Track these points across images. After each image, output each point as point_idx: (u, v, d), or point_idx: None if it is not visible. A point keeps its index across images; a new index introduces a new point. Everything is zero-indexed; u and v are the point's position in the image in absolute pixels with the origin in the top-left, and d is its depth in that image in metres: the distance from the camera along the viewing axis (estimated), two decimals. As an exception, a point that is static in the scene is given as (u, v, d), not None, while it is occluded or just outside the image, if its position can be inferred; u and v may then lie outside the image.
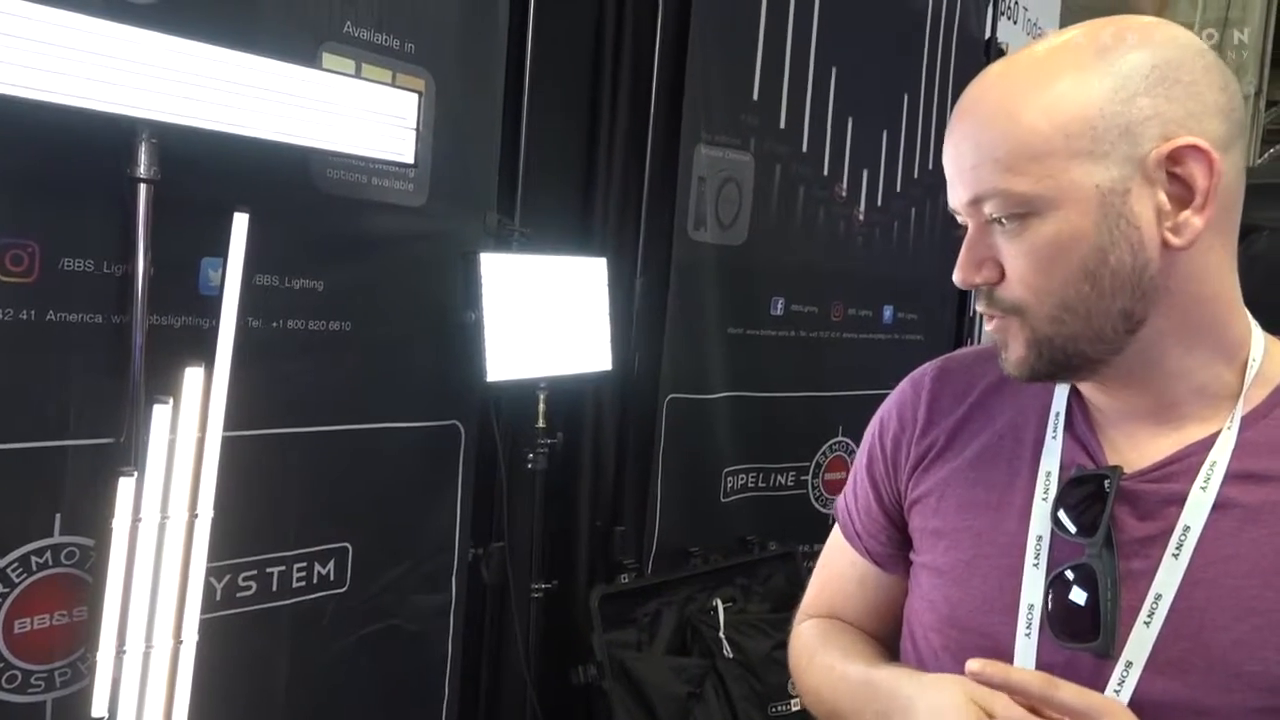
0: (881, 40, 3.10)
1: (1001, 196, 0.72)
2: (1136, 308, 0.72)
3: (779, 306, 2.86)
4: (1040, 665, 0.75)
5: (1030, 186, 0.70)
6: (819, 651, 0.96)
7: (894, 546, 0.95)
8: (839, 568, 1.01)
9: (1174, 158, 0.69)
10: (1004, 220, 0.73)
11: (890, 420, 0.94)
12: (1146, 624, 0.72)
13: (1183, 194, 0.70)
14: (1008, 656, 0.77)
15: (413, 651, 1.99)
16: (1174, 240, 0.70)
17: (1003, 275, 0.75)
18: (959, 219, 0.79)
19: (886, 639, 0.98)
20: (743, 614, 2.50)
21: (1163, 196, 0.70)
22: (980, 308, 0.79)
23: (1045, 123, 0.70)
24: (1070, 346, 0.74)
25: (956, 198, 0.77)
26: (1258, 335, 0.78)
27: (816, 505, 2.99)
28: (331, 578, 1.83)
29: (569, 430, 2.30)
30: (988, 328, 0.79)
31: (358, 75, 1.72)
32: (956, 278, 0.77)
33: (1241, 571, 0.71)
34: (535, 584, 2.19)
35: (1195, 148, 0.69)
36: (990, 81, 0.76)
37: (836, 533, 1.02)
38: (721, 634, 2.39)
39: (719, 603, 2.46)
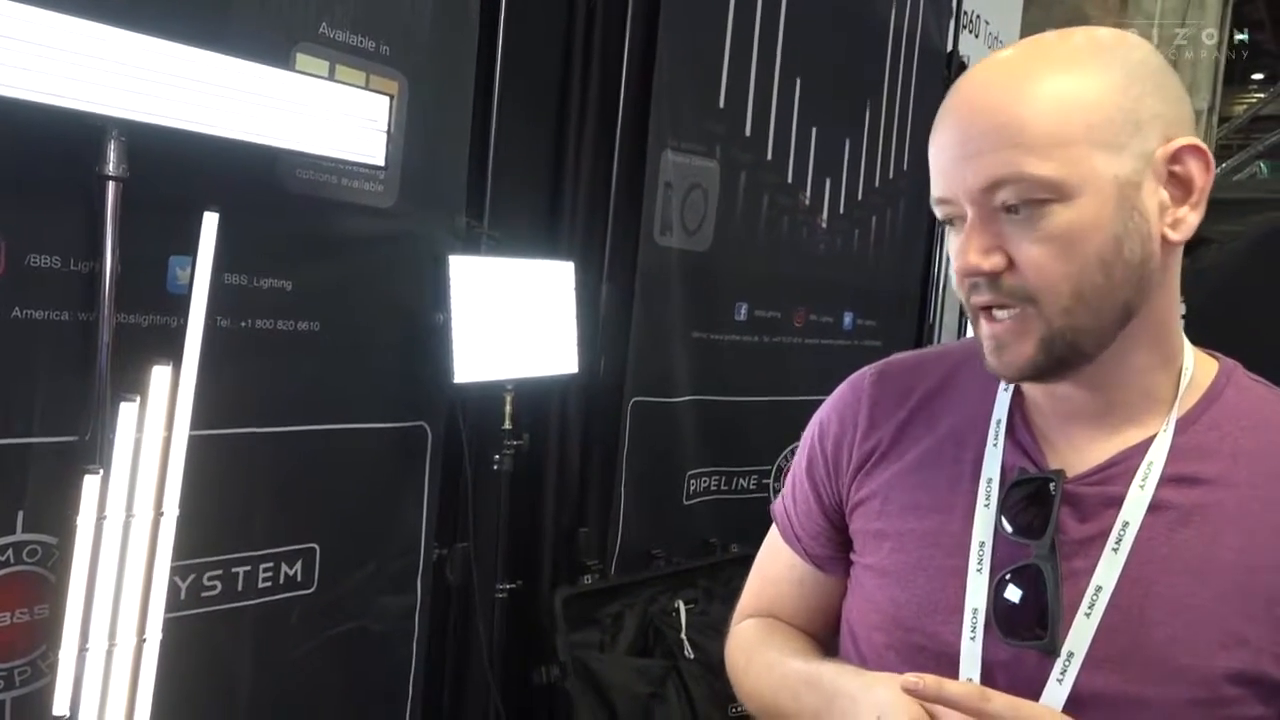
0: (845, 51, 3.15)
1: (1024, 182, 0.70)
2: (1135, 301, 0.74)
3: (742, 312, 2.90)
4: (985, 664, 0.78)
5: (1054, 172, 0.70)
6: (758, 650, 0.97)
7: (834, 549, 0.95)
8: (777, 569, 1.01)
9: (1176, 156, 0.72)
10: (1020, 207, 0.71)
11: (830, 423, 0.94)
12: (1087, 615, 0.75)
13: (1179, 193, 0.73)
14: (952, 656, 0.79)
15: (378, 653, 1.99)
16: (1172, 235, 0.74)
17: (1010, 264, 0.73)
18: (943, 210, 0.77)
19: (824, 639, 0.99)
20: (704, 616, 2.53)
21: (1165, 193, 0.73)
22: (983, 300, 0.75)
23: (1068, 110, 0.70)
24: (1077, 340, 0.74)
25: (961, 185, 0.73)
26: (1186, 344, 0.82)
27: (778, 508, 3.03)
28: (299, 578, 1.83)
29: (535, 432, 2.32)
30: (990, 329, 0.76)
31: (331, 77, 1.72)
32: (961, 265, 0.74)
33: (1175, 570, 0.74)
34: (499, 585, 2.21)
35: (1195, 147, 0.72)
36: (1000, 69, 0.74)
37: (774, 534, 1.02)
38: (683, 635, 2.42)
39: (681, 604, 2.49)
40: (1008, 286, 0.73)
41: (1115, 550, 0.75)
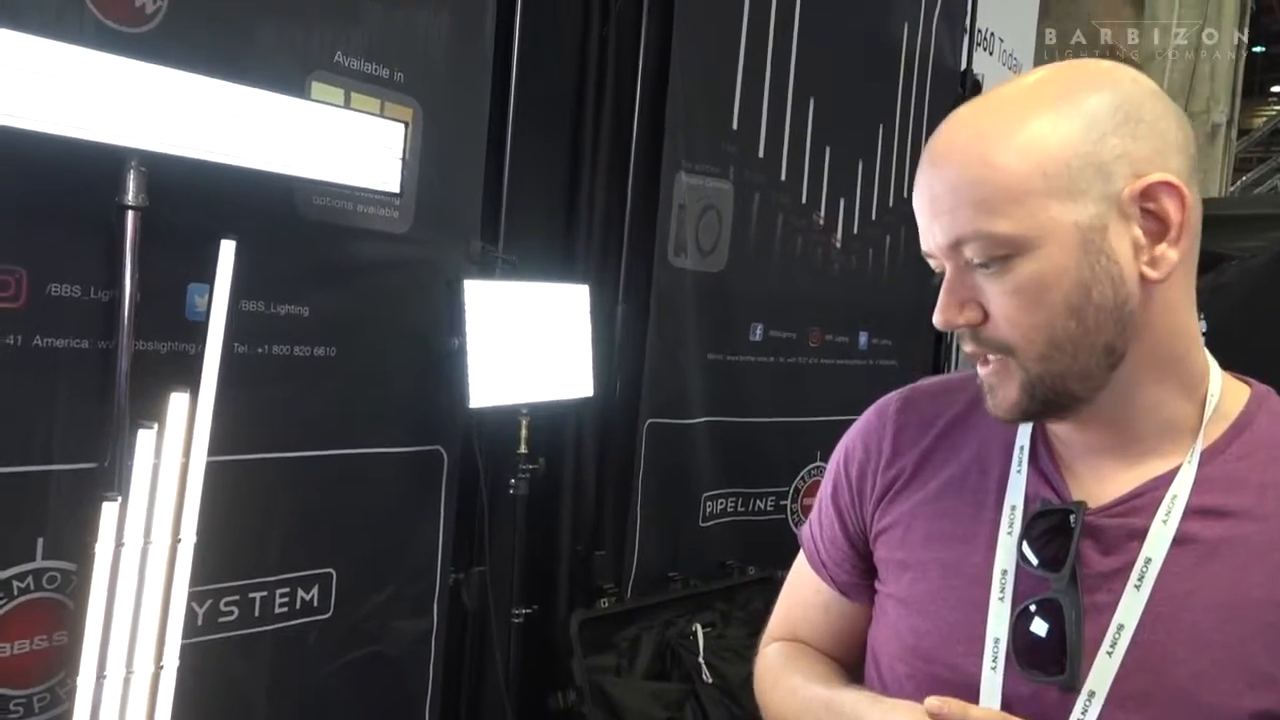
0: (858, 71, 3.16)
1: (983, 239, 0.71)
2: (1118, 342, 0.73)
3: (758, 332, 2.90)
4: (1006, 698, 0.77)
5: (1012, 228, 0.70)
6: (783, 674, 0.97)
7: (859, 576, 0.95)
8: (804, 594, 1.01)
9: (1147, 194, 0.71)
10: (986, 263, 0.72)
11: (855, 450, 0.94)
12: (1109, 654, 0.74)
13: (1156, 229, 0.71)
14: (973, 688, 0.78)
15: (394, 677, 1.99)
16: (1151, 273, 0.72)
17: (986, 316, 0.74)
18: (932, 263, 0.78)
19: (850, 665, 0.99)
20: (722, 639, 2.51)
21: (1138, 231, 0.71)
22: (968, 349, 0.77)
23: (1022, 164, 0.70)
24: (1059, 385, 0.74)
25: (933, 241, 0.76)
26: (1215, 370, 0.80)
27: (795, 530, 3.01)
28: (315, 603, 1.83)
29: (550, 455, 2.32)
30: (982, 371, 0.78)
31: (347, 105, 1.74)
32: (938, 320, 0.76)
33: (1201, 606, 0.73)
34: (516, 609, 2.20)
35: (1167, 183, 0.71)
36: (960, 126, 0.75)
37: (801, 558, 1.02)
38: (701, 659, 2.40)
39: (698, 627, 2.47)
40: (985, 338, 0.75)
41: (1138, 587, 0.74)
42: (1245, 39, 9.44)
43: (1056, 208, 0.70)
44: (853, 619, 0.97)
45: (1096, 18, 8.76)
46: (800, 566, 1.02)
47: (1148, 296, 0.73)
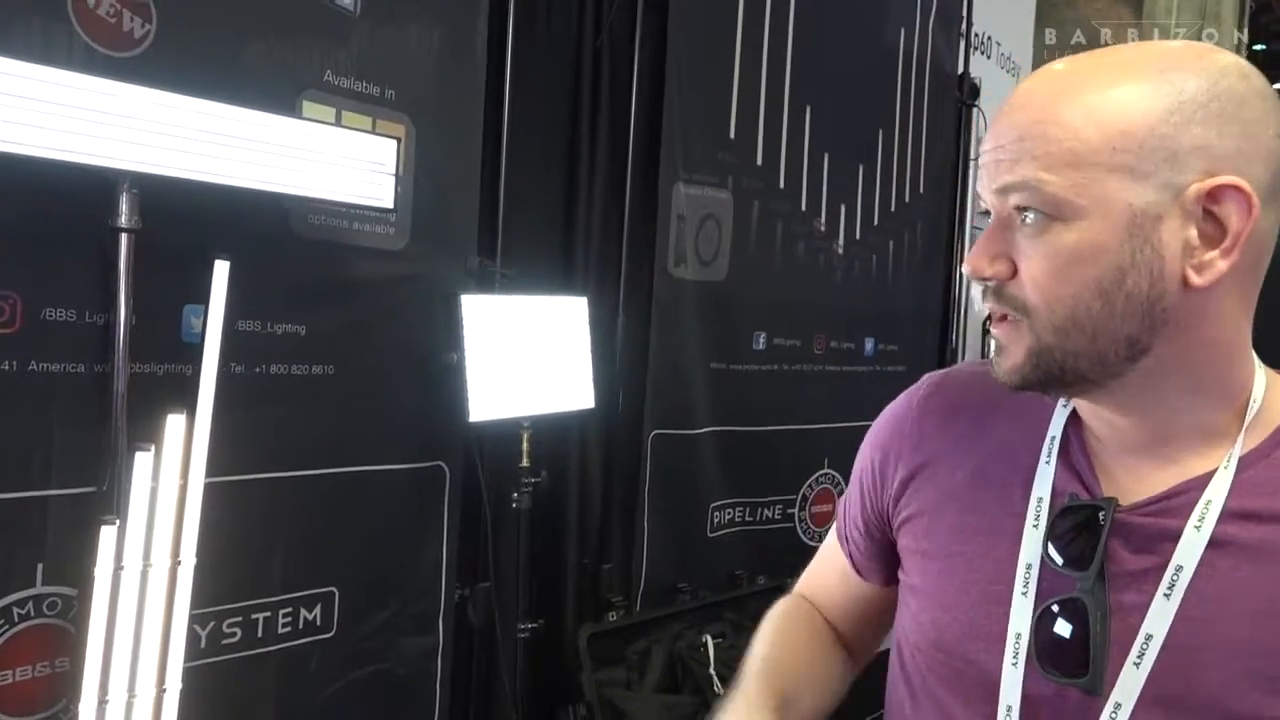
0: (855, 77, 3.15)
1: (1030, 191, 0.70)
2: (1144, 337, 0.70)
3: (760, 341, 2.89)
4: (1027, 696, 0.75)
5: (1062, 190, 0.68)
6: (762, 637, 1.00)
7: (868, 558, 0.96)
8: (828, 555, 1.04)
9: (1214, 195, 0.67)
10: (1029, 215, 0.70)
11: (882, 434, 0.94)
12: (1136, 665, 0.71)
13: (1213, 233, 0.68)
14: (993, 684, 0.77)
15: (400, 696, 1.98)
16: (1194, 278, 0.68)
17: (1014, 273, 0.72)
18: (983, 206, 0.78)
19: (854, 641, 1.01)
20: (733, 649, 2.49)
21: (1193, 231, 0.68)
22: (988, 305, 0.76)
23: (1093, 130, 0.68)
24: (1069, 362, 0.72)
25: (986, 184, 0.75)
26: (1260, 376, 0.76)
27: (804, 538, 3.00)
28: (318, 623, 1.83)
29: (553, 468, 2.30)
30: (993, 330, 0.77)
31: (338, 123, 1.75)
32: (966, 267, 0.76)
33: (1233, 611, 0.70)
34: (522, 624, 2.19)
35: (1238, 189, 0.67)
36: (1045, 79, 0.73)
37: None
38: (712, 670, 2.38)
39: (709, 639, 2.46)
40: (1007, 295, 0.73)
41: (1168, 596, 0.71)
42: (1245, 39, 9.43)
43: (1115, 184, 0.67)
44: (863, 597, 0.99)
45: (1095, 18, 8.76)
46: (833, 530, 1.05)
47: (1186, 300, 0.69)
